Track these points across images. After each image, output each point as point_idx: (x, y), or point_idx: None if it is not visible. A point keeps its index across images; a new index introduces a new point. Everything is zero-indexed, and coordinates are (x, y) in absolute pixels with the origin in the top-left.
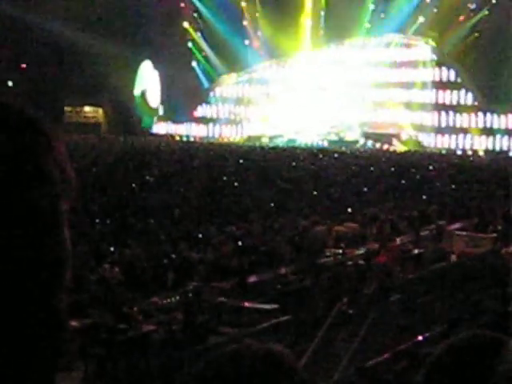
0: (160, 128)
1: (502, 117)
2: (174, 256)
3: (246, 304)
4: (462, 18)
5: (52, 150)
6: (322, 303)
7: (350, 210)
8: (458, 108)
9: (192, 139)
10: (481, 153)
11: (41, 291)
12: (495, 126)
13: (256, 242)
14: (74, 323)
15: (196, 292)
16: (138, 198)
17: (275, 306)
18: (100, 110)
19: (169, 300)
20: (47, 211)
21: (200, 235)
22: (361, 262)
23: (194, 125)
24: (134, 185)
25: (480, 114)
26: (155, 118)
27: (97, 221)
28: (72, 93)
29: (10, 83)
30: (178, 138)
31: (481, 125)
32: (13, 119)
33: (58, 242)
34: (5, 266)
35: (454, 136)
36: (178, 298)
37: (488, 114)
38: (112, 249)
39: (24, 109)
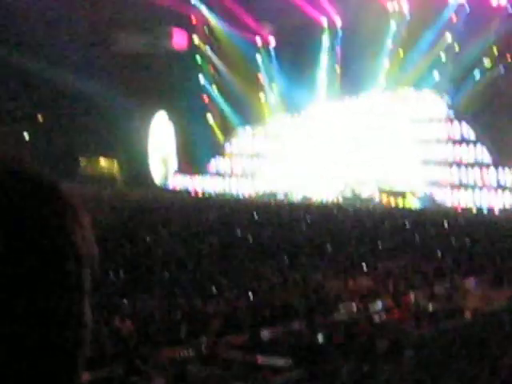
0: (174, 181)
1: None
2: (187, 309)
3: (260, 359)
4: (477, 74)
5: (79, 224)
6: (335, 359)
7: (364, 265)
8: (473, 164)
9: (207, 194)
10: (496, 210)
11: (61, 369)
12: (510, 183)
13: (270, 296)
14: (85, 376)
15: (209, 346)
16: (152, 251)
17: (289, 361)
18: (115, 162)
19: (181, 353)
20: (74, 292)
21: (214, 289)
22: (375, 317)
23: (208, 178)
24: (148, 238)
25: (495, 170)
26: (170, 173)
27: (110, 273)
28: (87, 145)
29: (27, 136)
30: (192, 194)
31: (496, 182)
32: (40, 191)
33: (80, 321)
34: (27, 344)
35: (469, 192)
36: (190, 351)
37: (503, 171)
38: (125, 301)
39: (51, 179)
